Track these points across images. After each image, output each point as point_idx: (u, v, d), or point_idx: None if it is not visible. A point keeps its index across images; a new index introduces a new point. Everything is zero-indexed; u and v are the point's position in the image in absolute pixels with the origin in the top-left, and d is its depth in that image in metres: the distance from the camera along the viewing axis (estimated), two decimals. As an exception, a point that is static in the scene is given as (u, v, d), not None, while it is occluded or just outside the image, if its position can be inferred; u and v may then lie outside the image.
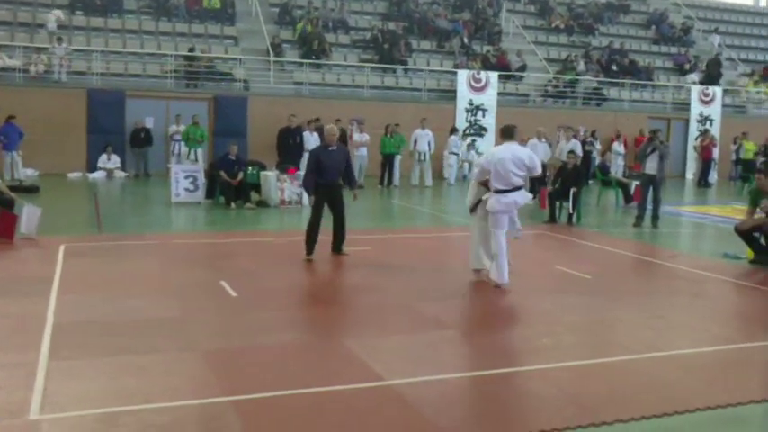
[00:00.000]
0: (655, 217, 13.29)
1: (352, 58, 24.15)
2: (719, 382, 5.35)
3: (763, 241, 10.05)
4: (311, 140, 18.35)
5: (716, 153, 24.87)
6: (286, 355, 5.65)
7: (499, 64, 25.26)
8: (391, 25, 25.73)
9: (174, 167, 15.41)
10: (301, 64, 22.61)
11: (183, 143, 19.86)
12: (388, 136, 19.71)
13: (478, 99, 23.71)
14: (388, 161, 19.67)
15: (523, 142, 11.51)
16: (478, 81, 23.73)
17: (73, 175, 19.07)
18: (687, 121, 26.88)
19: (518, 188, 7.93)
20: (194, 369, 5.30)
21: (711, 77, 28.58)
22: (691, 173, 26.31)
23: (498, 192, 7.86)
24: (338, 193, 9.41)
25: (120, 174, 19.38)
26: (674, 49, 30.79)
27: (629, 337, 6.44)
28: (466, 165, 22.20)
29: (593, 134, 23.24)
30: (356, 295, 7.77)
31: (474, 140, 23.17)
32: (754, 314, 7.69)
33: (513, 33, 28.35)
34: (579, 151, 19.11)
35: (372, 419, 4.51)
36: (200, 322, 6.51)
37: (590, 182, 18.49)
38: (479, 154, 22.90)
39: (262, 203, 14.66)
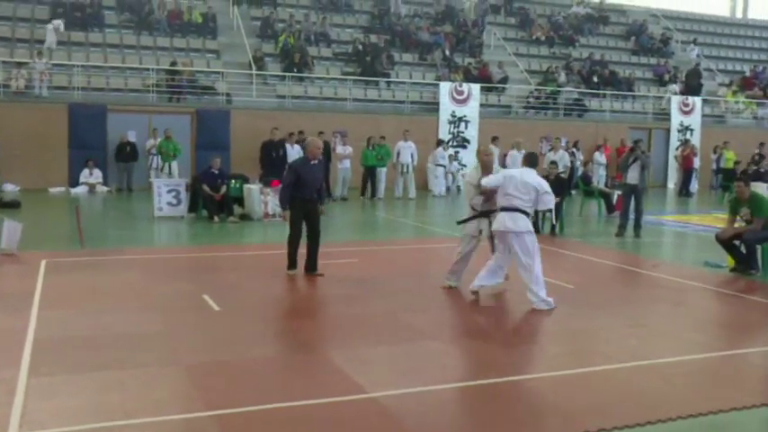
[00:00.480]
0: (637, 226, 13.37)
1: (334, 71, 24.20)
2: (702, 391, 5.38)
3: (743, 249, 10.14)
4: (293, 154, 18.34)
5: (697, 162, 25.09)
6: (269, 369, 5.63)
7: (481, 76, 25.40)
8: (373, 38, 25.81)
9: (156, 181, 15.34)
10: (284, 77, 22.62)
11: (159, 157, 19.78)
12: (370, 148, 19.75)
13: (461, 111, 23.80)
14: (369, 173, 19.71)
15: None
16: (461, 93, 23.83)
17: (55, 190, 18.93)
18: (668, 131, 27.13)
19: (516, 209, 7.68)
20: (177, 383, 5.27)
21: (692, 88, 28.88)
22: (672, 182, 26.53)
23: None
24: (315, 207, 9.13)
25: (102, 188, 19.26)
26: (653, 60, 31.11)
27: (612, 347, 6.47)
28: (449, 176, 22.27)
29: (575, 145, 23.40)
30: (340, 307, 7.75)
31: (457, 152, 23.24)
32: (736, 322, 7.75)
33: (494, 45, 28.53)
34: (567, 162, 19.28)
35: (356, 432, 4.50)
36: (182, 336, 6.47)
37: (572, 192, 18.58)
38: (462, 166, 23.02)
39: (245, 217, 14.62)
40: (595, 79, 27.63)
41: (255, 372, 5.54)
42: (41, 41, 21.84)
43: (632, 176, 13.38)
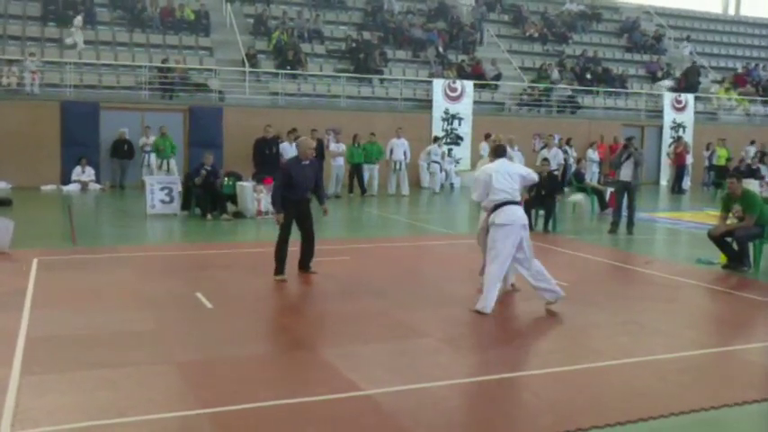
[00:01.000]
0: (630, 223, 13.41)
1: (327, 68, 24.16)
2: (695, 387, 5.40)
3: (735, 246, 10.17)
4: (290, 151, 18.32)
5: (689, 159, 25.17)
6: (262, 366, 5.63)
7: (474, 73, 25.40)
8: (366, 35, 25.78)
9: (149, 179, 15.29)
10: (277, 74, 22.57)
11: (152, 155, 19.73)
12: (356, 145, 19.75)
13: (454, 108, 23.81)
14: (356, 170, 19.74)
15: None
16: (454, 90, 23.84)
17: (47, 188, 18.86)
18: (660, 128, 27.19)
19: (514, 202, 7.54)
20: (169, 382, 5.26)
21: (690, 85, 29.02)
22: (665, 179, 26.60)
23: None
24: (307, 208, 8.91)
25: (94, 186, 19.20)
26: (646, 57, 31.17)
27: (606, 344, 6.49)
28: (443, 173, 22.28)
29: (568, 142, 23.44)
30: (333, 305, 7.75)
31: (450, 149, 23.25)
32: (728, 319, 7.78)
33: (487, 42, 28.54)
34: (560, 159, 19.32)
35: (349, 430, 4.50)
36: (175, 334, 6.45)
37: (566, 189, 18.61)
38: (456, 162, 23.04)
39: (238, 214, 14.59)
40: (588, 76, 27.68)
41: (249, 369, 5.53)
42: (34, 39, 21.76)
43: (625, 173, 13.40)
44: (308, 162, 8.87)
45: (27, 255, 9.72)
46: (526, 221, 7.55)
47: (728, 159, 24.75)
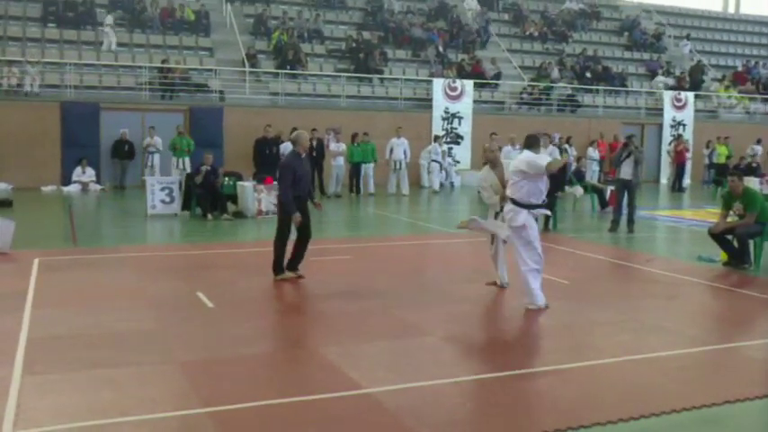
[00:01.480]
0: (630, 221, 13.40)
1: (327, 67, 24.17)
2: (695, 384, 5.40)
3: (735, 244, 10.17)
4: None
5: (688, 157, 25.17)
6: (264, 365, 5.63)
7: (474, 72, 25.41)
8: (366, 35, 25.79)
9: (149, 179, 15.30)
10: (277, 74, 22.58)
11: (156, 155, 19.73)
12: (356, 145, 19.76)
13: (454, 107, 23.82)
14: (356, 170, 19.76)
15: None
16: (454, 89, 23.84)
17: (47, 189, 18.87)
18: (660, 127, 27.19)
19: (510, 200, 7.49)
20: (171, 381, 5.26)
21: (694, 83, 29.07)
22: (665, 177, 26.59)
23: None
24: (306, 206, 8.68)
25: (95, 187, 19.21)
26: (646, 56, 31.17)
27: (607, 341, 6.49)
28: (444, 172, 22.29)
29: (568, 140, 23.42)
30: (334, 304, 7.75)
31: (451, 148, 23.25)
32: (729, 316, 7.79)
33: (487, 41, 28.52)
34: (557, 157, 19.27)
35: (351, 428, 4.50)
36: (176, 334, 6.46)
37: (566, 187, 18.59)
38: (456, 162, 23.03)
39: (239, 214, 14.60)
40: (588, 75, 27.68)
41: (250, 368, 5.54)
42: (34, 40, 21.77)
43: (626, 171, 13.40)
44: (304, 155, 8.76)
45: (28, 255, 9.73)
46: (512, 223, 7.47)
47: (729, 157, 24.74)
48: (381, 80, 24.29)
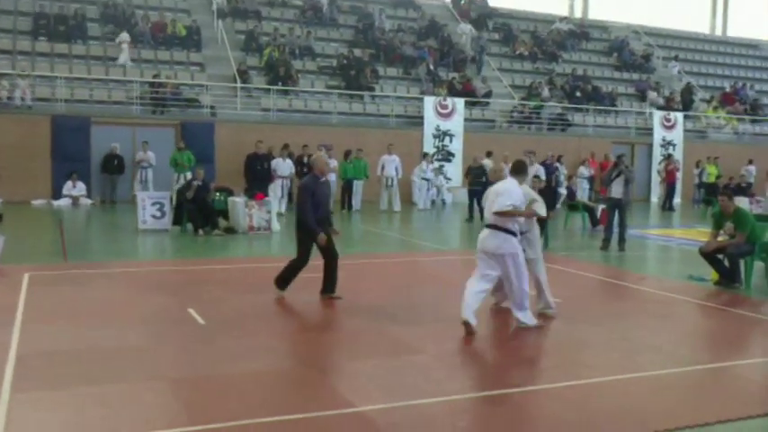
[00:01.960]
0: (621, 240, 13.45)
1: (318, 84, 24.24)
2: (687, 404, 5.39)
3: (726, 263, 10.22)
4: (282, 167, 18.36)
5: (679, 176, 25.34)
6: (255, 383, 5.59)
7: (465, 90, 25.53)
8: (357, 52, 25.89)
9: (140, 194, 15.25)
10: (268, 90, 22.62)
11: (149, 170, 19.69)
12: (348, 161, 19.80)
13: (445, 125, 23.91)
14: (348, 186, 19.80)
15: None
16: (445, 107, 23.94)
17: (37, 203, 18.78)
18: (650, 146, 27.37)
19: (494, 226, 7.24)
20: (162, 399, 5.21)
21: (685, 104, 29.34)
22: (655, 196, 26.73)
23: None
24: (327, 229, 8.52)
25: (85, 201, 19.12)
26: (635, 76, 31.42)
27: (599, 360, 6.48)
28: (434, 189, 22.35)
29: (558, 159, 23.48)
30: (327, 321, 7.72)
31: (442, 165, 23.31)
32: (720, 335, 7.80)
33: (482, 67, 28.68)
34: (542, 176, 19.32)
35: (344, 447, 4.47)
36: (167, 351, 6.41)
37: (557, 206, 18.65)
38: (448, 179, 23.07)
39: (230, 230, 14.55)
40: (578, 94, 27.87)
41: (241, 386, 5.50)
42: (24, 53, 21.72)
43: (616, 191, 13.46)
44: (324, 179, 8.53)
45: (18, 270, 9.65)
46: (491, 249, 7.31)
47: (718, 177, 24.91)
48: (372, 97, 24.38)
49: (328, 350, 6.80)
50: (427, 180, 21.58)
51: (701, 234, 14.78)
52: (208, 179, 15.42)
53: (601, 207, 16.19)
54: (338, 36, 27.75)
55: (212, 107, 21.75)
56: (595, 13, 37.83)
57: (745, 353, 7.21)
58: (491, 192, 7.36)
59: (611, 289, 10.39)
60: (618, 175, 13.47)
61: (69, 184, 19.10)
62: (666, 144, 27.49)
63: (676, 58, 33.38)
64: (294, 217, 8.67)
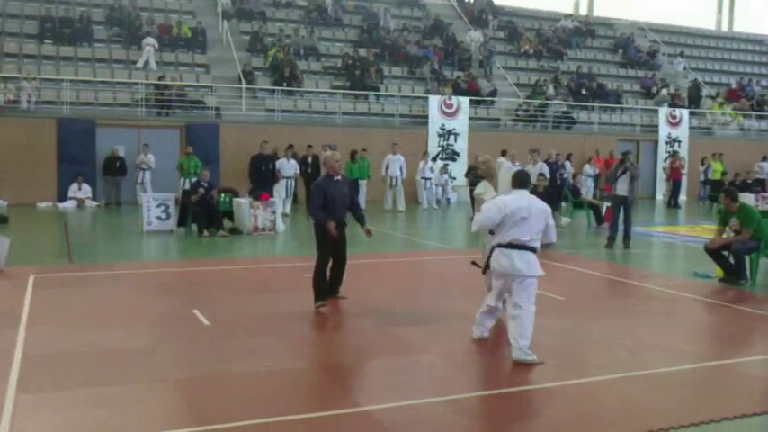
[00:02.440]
0: (626, 237, 13.42)
1: (323, 84, 24.24)
2: (693, 401, 5.38)
3: (732, 260, 10.19)
4: (287, 167, 18.37)
5: (684, 173, 25.28)
6: (259, 383, 5.60)
7: (470, 89, 25.51)
8: (362, 52, 25.88)
9: (145, 196, 15.28)
10: (273, 91, 22.63)
11: (147, 172, 19.72)
12: (354, 162, 19.79)
13: (450, 124, 23.88)
14: (354, 186, 19.73)
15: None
16: (450, 106, 23.92)
17: (43, 205, 18.84)
18: (656, 143, 27.29)
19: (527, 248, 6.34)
20: (167, 399, 5.23)
21: (692, 102, 29.28)
22: (660, 193, 26.65)
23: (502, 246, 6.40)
24: (343, 231, 8.26)
25: (91, 203, 19.18)
26: (641, 73, 31.33)
27: (603, 358, 6.47)
28: (439, 189, 22.34)
29: (568, 157, 23.42)
30: (331, 321, 7.73)
31: (446, 164, 23.29)
32: (725, 332, 7.78)
33: (483, 58, 28.65)
34: (546, 174, 19.30)
35: (347, 446, 4.47)
36: (172, 352, 6.43)
37: (562, 204, 18.63)
38: (453, 178, 23.05)
39: (235, 231, 14.57)
40: (583, 92, 27.80)
41: (246, 386, 5.51)
42: (30, 56, 21.81)
43: (621, 188, 13.44)
44: (340, 178, 8.23)
45: (23, 272, 9.69)
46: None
47: (724, 173, 24.83)
48: (377, 97, 24.36)
49: (333, 350, 6.80)
50: (426, 179, 21.55)
51: (706, 231, 14.74)
52: (213, 181, 15.44)
53: (606, 205, 16.15)
54: (343, 36, 27.75)
55: (217, 108, 21.79)
56: (600, 10, 37.73)
57: (749, 350, 7.19)
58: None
59: (615, 287, 10.37)
60: (623, 173, 13.44)
61: (75, 186, 19.16)
62: (672, 141, 27.40)
63: (682, 55, 33.26)
64: (306, 218, 8.64)
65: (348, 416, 4.93)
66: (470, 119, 24.30)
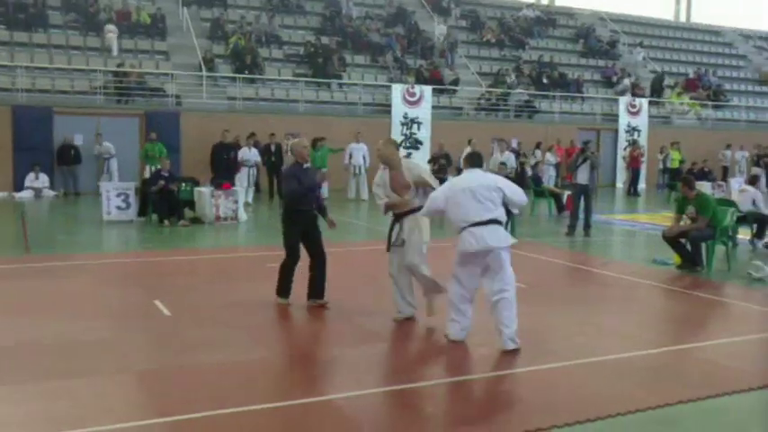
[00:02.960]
0: (586, 225, 13.60)
1: (285, 72, 24.08)
2: (650, 386, 5.49)
3: (689, 247, 10.39)
4: (249, 156, 18.24)
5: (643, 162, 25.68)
6: (222, 374, 5.58)
7: (432, 78, 25.55)
8: (325, 40, 25.76)
9: (105, 185, 15.06)
10: (234, 79, 22.43)
11: (113, 160, 19.42)
12: (316, 150, 19.69)
13: (413, 112, 23.92)
14: None
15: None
16: (413, 95, 23.94)
17: (-2, 195, 18.47)
18: (616, 132, 27.66)
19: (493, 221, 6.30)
20: (128, 391, 5.19)
21: (654, 91, 29.72)
22: (620, 182, 27.04)
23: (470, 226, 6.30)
24: (315, 221, 7.79)
25: (48, 193, 18.84)
26: (601, 62, 31.69)
27: (563, 345, 6.57)
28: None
29: (538, 146, 23.66)
30: (293, 311, 7.71)
31: (410, 153, 23.31)
32: (682, 318, 7.94)
33: (446, 48, 28.70)
34: (513, 163, 19.46)
35: (311, 435, 4.49)
36: (133, 343, 6.36)
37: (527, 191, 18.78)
38: (416, 167, 23.05)
39: (196, 220, 14.44)
40: (545, 81, 28.03)
41: (208, 377, 5.48)
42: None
43: (582, 177, 13.61)
44: (308, 166, 7.81)
45: (-21, 263, 9.50)
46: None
47: (682, 162, 25.27)
48: (340, 85, 24.29)
49: (296, 340, 6.80)
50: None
51: (664, 219, 15.01)
52: (174, 171, 15.26)
53: (567, 193, 16.34)
54: (305, 23, 27.57)
55: (178, 96, 21.51)
56: (561, 0, 38.07)
57: (705, 335, 7.35)
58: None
59: (576, 274, 10.52)
60: (584, 162, 13.61)
61: (32, 175, 18.79)
62: (632, 130, 27.78)
63: (641, 45, 33.70)
64: (269, 207, 8.47)
65: (311, 405, 4.94)
66: (433, 107, 24.36)
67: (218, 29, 24.75)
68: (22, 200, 17.95)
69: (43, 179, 18.91)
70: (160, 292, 8.20)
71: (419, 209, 7.00)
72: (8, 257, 10.25)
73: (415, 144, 23.89)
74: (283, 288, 7.81)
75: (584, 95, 28.66)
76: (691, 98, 30.76)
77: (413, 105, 23.91)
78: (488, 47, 30.08)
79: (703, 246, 10.42)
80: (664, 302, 8.81)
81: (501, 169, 14.53)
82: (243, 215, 14.88)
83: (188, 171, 18.04)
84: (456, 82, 26.22)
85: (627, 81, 29.50)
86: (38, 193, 18.66)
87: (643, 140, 27.48)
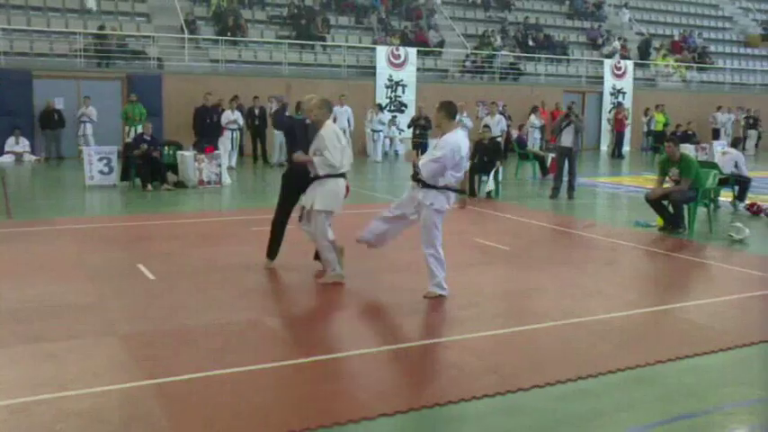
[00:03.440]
0: (570, 188, 13.66)
1: (269, 34, 23.80)
2: (631, 346, 5.57)
3: (671, 209, 10.46)
4: (231, 119, 18.08)
5: (628, 124, 25.74)
6: (206, 337, 5.59)
7: (417, 40, 25.35)
8: (308, 1, 25.44)
9: (87, 149, 14.92)
10: (217, 41, 22.15)
11: (89, 124, 19.21)
12: (299, 113, 19.55)
13: (398, 75, 23.77)
14: None
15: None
16: (397, 57, 23.77)
17: (-22, 160, 18.25)
18: (601, 95, 27.64)
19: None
20: (113, 354, 5.20)
21: (642, 55, 29.66)
22: (605, 144, 27.11)
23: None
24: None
25: (29, 157, 18.64)
26: (587, 24, 31.53)
27: (546, 306, 6.63)
28: (387, 141, 22.34)
29: (534, 110, 23.61)
30: (277, 275, 7.72)
31: (395, 116, 23.23)
32: (664, 279, 8.03)
33: (431, 9, 28.44)
34: (504, 126, 19.44)
35: (293, 396, 4.52)
36: (117, 306, 6.36)
37: (507, 155, 18.82)
38: (401, 130, 23.02)
39: (179, 184, 14.37)
40: (530, 43, 27.89)
41: (192, 340, 5.50)
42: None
43: (566, 139, 13.63)
44: (310, 122, 7.60)
45: (-40, 228, 9.42)
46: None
47: (666, 125, 25.35)
48: (324, 47, 24.06)
49: (282, 301, 6.83)
50: (376, 131, 21.49)
51: (648, 181, 15.08)
52: (156, 135, 15.13)
53: (551, 156, 16.37)
54: (288, -16, 27.17)
55: (159, 59, 21.24)
56: (547, -39, 37.64)
57: (687, 295, 7.44)
58: None
59: (559, 236, 10.58)
60: (568, 125, 13.61)
61: (12, 140, 18.57)
62: (616, 92, 27.79)
63: (627, 6, 33.53)
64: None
65: (292, 367, 4.97)
66: (418, 70, 24.21)
67: (200, -10, 24.35)
68: (2, 165, 17.75)
69: (24, 143, 18.71)
70: (144, 255, 8.18)
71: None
72: (-10, 222, 10.17)
73: (400, 107, 23.78)
74: (273, 250, 7.78)
75: (570, 57, 28.56)
76: (676, 60, 30.73)
77: (398, 68, 23.76)
78: (474, 8, 29.82)
79: (685, 208, 10.50)
80: (646, 264, 8.89)
81: (485, 132, 14.51)
82: (226, 179, 14.81)
83: (170, 134, 17.90)
84: (441, 44, 26.04)
85: (616, 43, 29.39)
86: (19, 157, 18.47)
87: (628, 103, 27.52)
